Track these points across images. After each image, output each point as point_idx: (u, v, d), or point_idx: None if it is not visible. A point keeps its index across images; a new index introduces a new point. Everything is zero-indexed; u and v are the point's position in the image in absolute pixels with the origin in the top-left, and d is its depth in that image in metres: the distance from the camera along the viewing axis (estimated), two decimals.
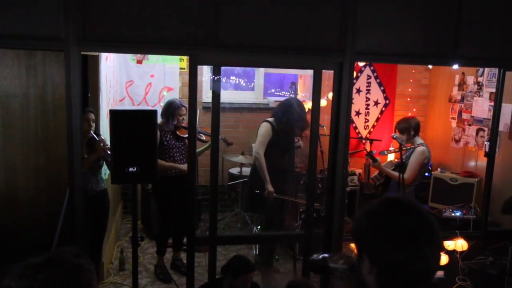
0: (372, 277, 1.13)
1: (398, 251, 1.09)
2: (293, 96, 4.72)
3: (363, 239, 1.16)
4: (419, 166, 4.04)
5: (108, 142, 3.42)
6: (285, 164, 4.08)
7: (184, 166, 4.13)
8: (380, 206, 1.16)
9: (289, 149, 4.08)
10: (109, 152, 3.26)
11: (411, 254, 1.08)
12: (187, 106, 4.22)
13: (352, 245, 3.39)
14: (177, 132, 4.11)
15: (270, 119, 4.04)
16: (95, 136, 3.49)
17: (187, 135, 4.12)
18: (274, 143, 3.99)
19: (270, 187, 3.95)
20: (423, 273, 1.10)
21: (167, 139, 4.06)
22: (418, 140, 4.19)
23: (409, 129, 4.15)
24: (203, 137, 4.29)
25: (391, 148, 5.26)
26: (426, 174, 5.23)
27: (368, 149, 5.43)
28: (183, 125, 4.12)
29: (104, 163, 3.65)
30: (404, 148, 4.03)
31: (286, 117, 3.95)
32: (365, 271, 1.15)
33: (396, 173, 4.14)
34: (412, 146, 4.11)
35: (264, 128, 4.00)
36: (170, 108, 4.07)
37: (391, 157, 4.94)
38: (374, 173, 4.50)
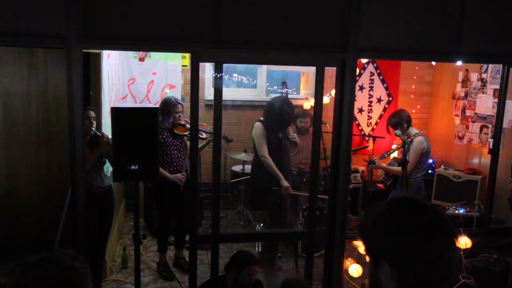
0: (393, 283, 1.10)
1: (419, 254, 1.06)
2: (284, 94, 4.76)
3: (380, 246, 1.12)
4: (417, 156, 4.07)
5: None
6: (279, 160, 4.09)
7: (179, 176, 4.12)
8: (390, 209, 1.13)
9: (282, 145, 4.10)
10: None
11: (432, 255, 1.06)
12: (183, 103, 4.24)
13: (356, 242, 3.39)
14: (174, 130, 4.11)
15: (262, 118, 4.11)
16: (97, 132, 3.49)
17: (184, 133, 4.13)
18: (267, 139, 4.04)
19: (285, 183, 3.99)
20: (445, 272, 1.08)
21: (164, 137, 4.06)
22: (413, 131, 4.21)
23: (401, 122, 4.16)
24: (203, 135, 4.30)
25: (393, 146, 5.24)
26: (430, 171, 5.21)
27: (371, 148, 5.45)
28: (180, 122, 4.11)
29: (107, 160, 3.64)
30: (406, 143, 4.03)
31: (272, 114, 4.02)
32: (385, 277, 1.11)
33: (396, 168, 4.15)
34: (410, 139, 4.12)
35: (258, 128, 4.06)
36: (166, 106, 4.07)
37: (394, 154, 4.94)
38: (382, 174, 4.51)
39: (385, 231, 1.11)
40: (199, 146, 4.21)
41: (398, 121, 4.17)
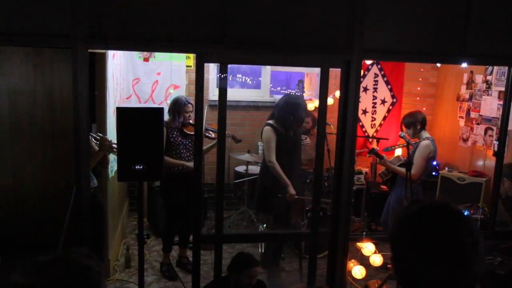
0: None
1: (437, 266, 1.05)
2: (298, 93, 4.71)
3: (399, 253, 1.12)
4: (424, 160, 4.03)
5: (113, 139, 3.42)
6: (291, 162, 4.06)
7: (192, 164, 4.11)
8: (422, 217, 1.11)
9: (295, 147, 4.05)
10: (115, 149, 3.26)
11: (455, 268, 1.05)
12: (193, 103, 4.24)
13: (360, 244, 3.38)
14: (184, 129, 4.12)
15: (271, 121, 3.95)
16: (91, 134, 3.50)
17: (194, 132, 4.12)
18: (279, 144, 3.92)
19: (292, 190, 3.87)
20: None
21: (174, 135, 4.08)
22: (425, 134, 4.17)
23: (415, 123, 4.13)
24: (212, 135, 4.27)
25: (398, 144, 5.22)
26: (434, 173, 5.19)
27: (374, 147, 5.41)
28: (190, 122, 4.13)
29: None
30: (411, 144, 4.00)
31: (283, 114, 3.89)
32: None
33: (402, 169, 4.11)
34: (418, 141, 4.09)
35: (267, 133, 3.90)
36: (177, 105, 4.09)
37: (398, 152, 4.91)
38: (381, 169, 4.48)
39: (408, 239, 1.10)
40: (209, 145, 4.21)
41: (412, 121, 4.14)
